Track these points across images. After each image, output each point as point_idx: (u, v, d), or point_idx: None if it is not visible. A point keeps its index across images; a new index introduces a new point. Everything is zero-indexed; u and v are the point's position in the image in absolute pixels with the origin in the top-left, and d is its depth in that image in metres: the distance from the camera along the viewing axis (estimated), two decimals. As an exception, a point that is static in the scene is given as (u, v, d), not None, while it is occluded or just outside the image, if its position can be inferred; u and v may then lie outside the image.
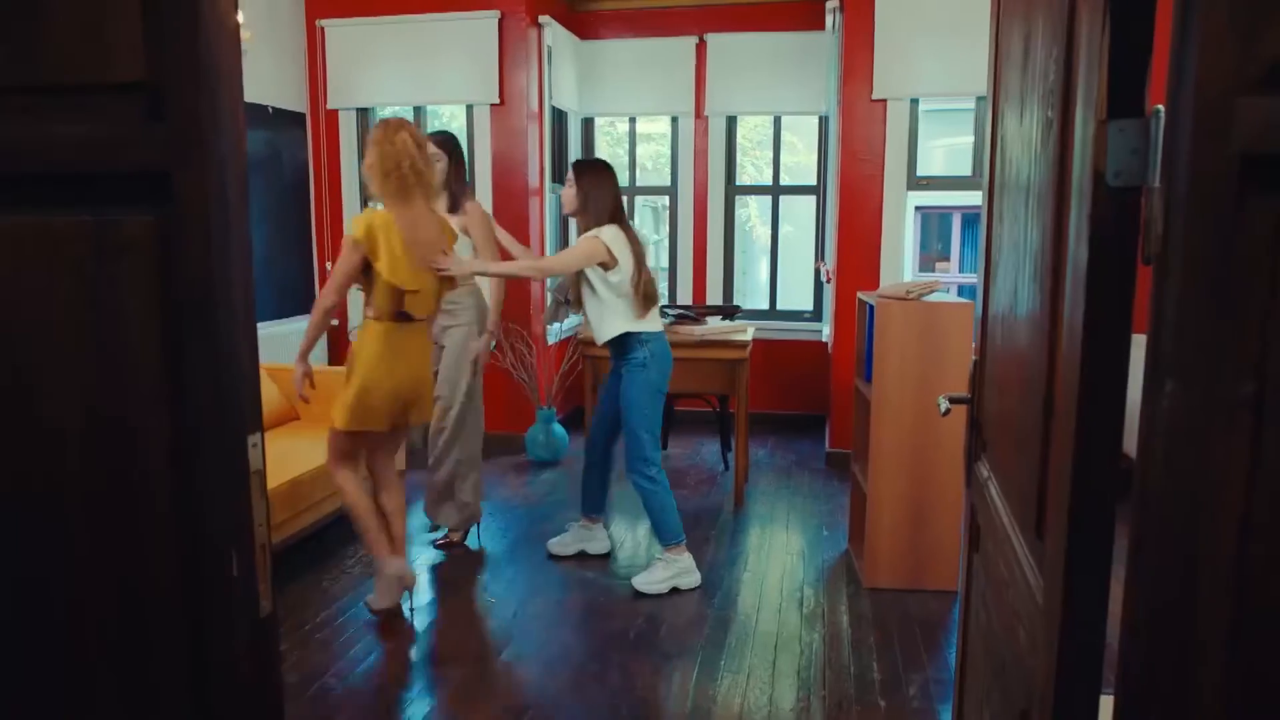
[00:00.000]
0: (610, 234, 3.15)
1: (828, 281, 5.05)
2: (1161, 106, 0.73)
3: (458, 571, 3.43)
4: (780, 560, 3.55)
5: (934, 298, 3.20)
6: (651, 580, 3.21)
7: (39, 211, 0.89)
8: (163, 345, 0.89)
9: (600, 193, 3.21)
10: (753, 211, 10.14)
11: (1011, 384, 1.19)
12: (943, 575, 3.22)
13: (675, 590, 3.20)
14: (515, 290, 5.01)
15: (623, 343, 3.22)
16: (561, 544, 3.55)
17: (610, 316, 3.20)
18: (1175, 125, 0.68)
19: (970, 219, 13.30)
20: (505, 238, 3.58)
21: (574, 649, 2.80)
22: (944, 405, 1.56)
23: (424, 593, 3.24)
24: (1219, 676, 0.68)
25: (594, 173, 3.25)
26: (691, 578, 3.24)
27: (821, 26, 5.28)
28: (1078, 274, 0.82)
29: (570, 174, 3.27)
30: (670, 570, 3.22)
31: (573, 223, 3.39)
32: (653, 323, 3.25)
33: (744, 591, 3.25)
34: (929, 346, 3.12)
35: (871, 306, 3.31)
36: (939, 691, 2.54)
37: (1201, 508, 0.68)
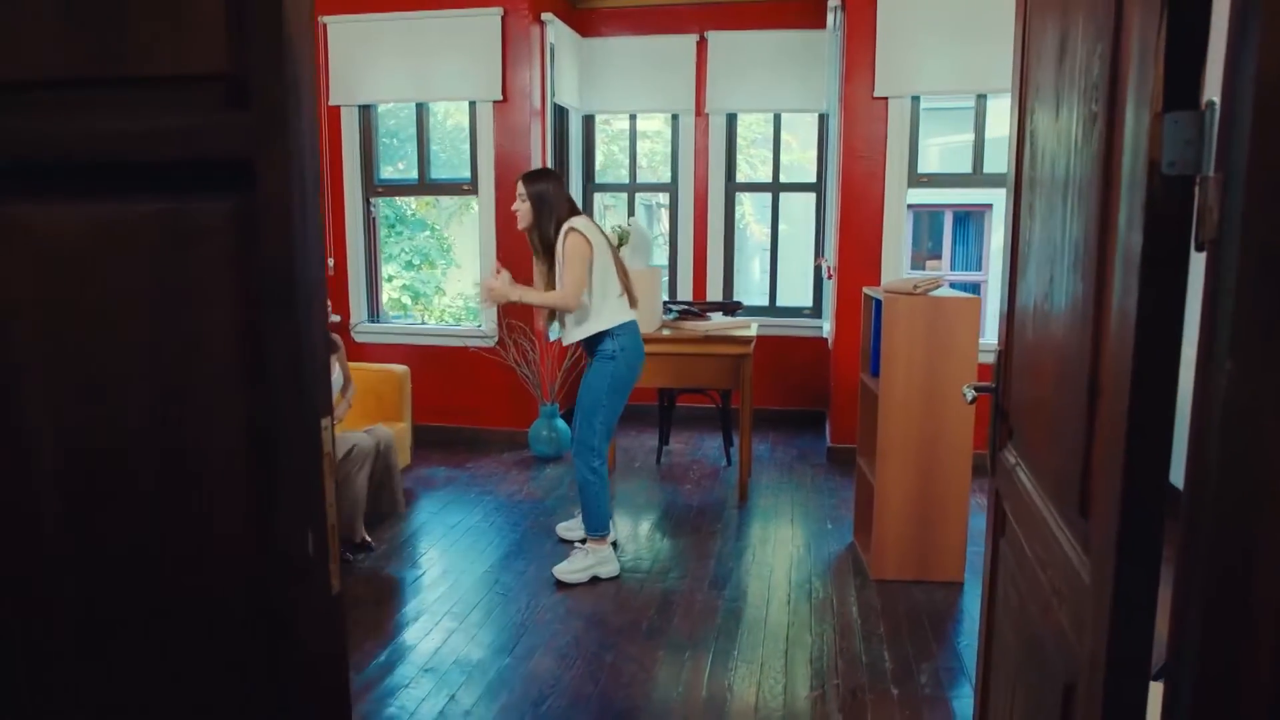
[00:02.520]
0: (581, 222, 3.21)
1: (829, 278, 5.09)
2: (1216, 99, 0.77)
3: (468, 563, 3.45)
4: (787, 553, 3.59)
5: (940, 293, 3.24)
6: (572, 569, 3.27)
7: (118, 199, 0.91)
8: (240, 329, 0.91)
9: (553, 194, 3.26)
10: (747, 209, 10.19)
11: (1046, 372, 1.23)
12: (949, 567, 3.26)
13: (595, 579, 3.26)
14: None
15: (592, 339, 3.28)
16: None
17: (584, 320, 3.25)
18: (1233, 115, 0.72)
19: (961, 217, 13.39)
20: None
21: (586, 641, 2.83)
22: (970, 395, 1.60)
23: (435, 586, 3.26)
24: (1273, 656, 0.71)
25: (542, 179, 3.30)
26: (611, 567, 3.31)
27: (821, 25, 5.32)
28: (1130, 260, 0.86)
29: (520, 188, 3.29)
30: (591, 559, 3.29)
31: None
32: (623, 313, 3.29)
33: (753, 584, 3.28)
34: (935, 341, 3.16)
35: (878, 302, 3.35)
36: (949, 679, 2.58)
37: (1258, 485, 0.71)
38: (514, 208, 3.32)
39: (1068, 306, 1.12)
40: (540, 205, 3.24)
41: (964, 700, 2.47)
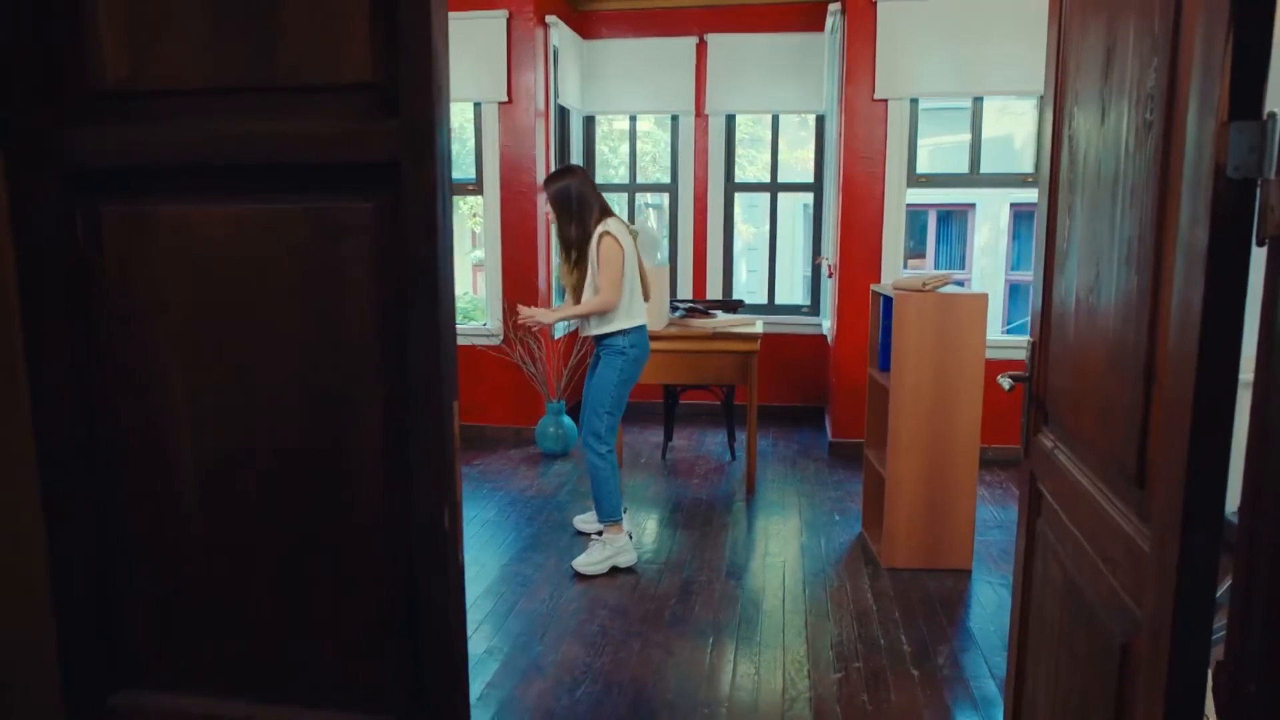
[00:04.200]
0: (615, 226, 3.28)
1: (830, 276, 5.20)
2: (1277, 110, 0.87)
3: (488, 557, 3.52)
4: (798, 543, 3.68)
5: (948, 290, 3.35)
6: (590, 561, 3.34)
7: (268, 198, 0.98)
8: (380, 320, 0.98)
9: (574, 190, 3.30)
10: (736, 210, 10.29)
11: (1093, 360, 1.33)
12: (957, 555, 3.38)
13: (614, 569, 3.33)
14: (522, 285, 5.09)
15: (605, 335, 3.37)
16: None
17: (611, 318, 3.32)
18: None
19: (944, 216, 13.61)
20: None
21: (613, 629, 2.91)
22: (1007, 384, 1.70)
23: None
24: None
25: (559, 178, 3.35)
26: (628, 556, 3.39)
27: (819, 28, 5.44)
28: (1193, 255, 0.95)
29: (546, 191, 3.36)
30: (608, 550, 3.37)
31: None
32: (638, 316, 3.38)
33: (769, 573, 3.38)
34: (944, 336, 3.27)
35: (887, 299, 3.45)
36: (966, 660, 2.69)
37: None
38: (548, 218, 3.39)
39: (1118, 299, 1.22)
40: (562, 202, 3.31)
41: (982, 679, 2.58)
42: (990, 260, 12.85)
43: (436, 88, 0.93)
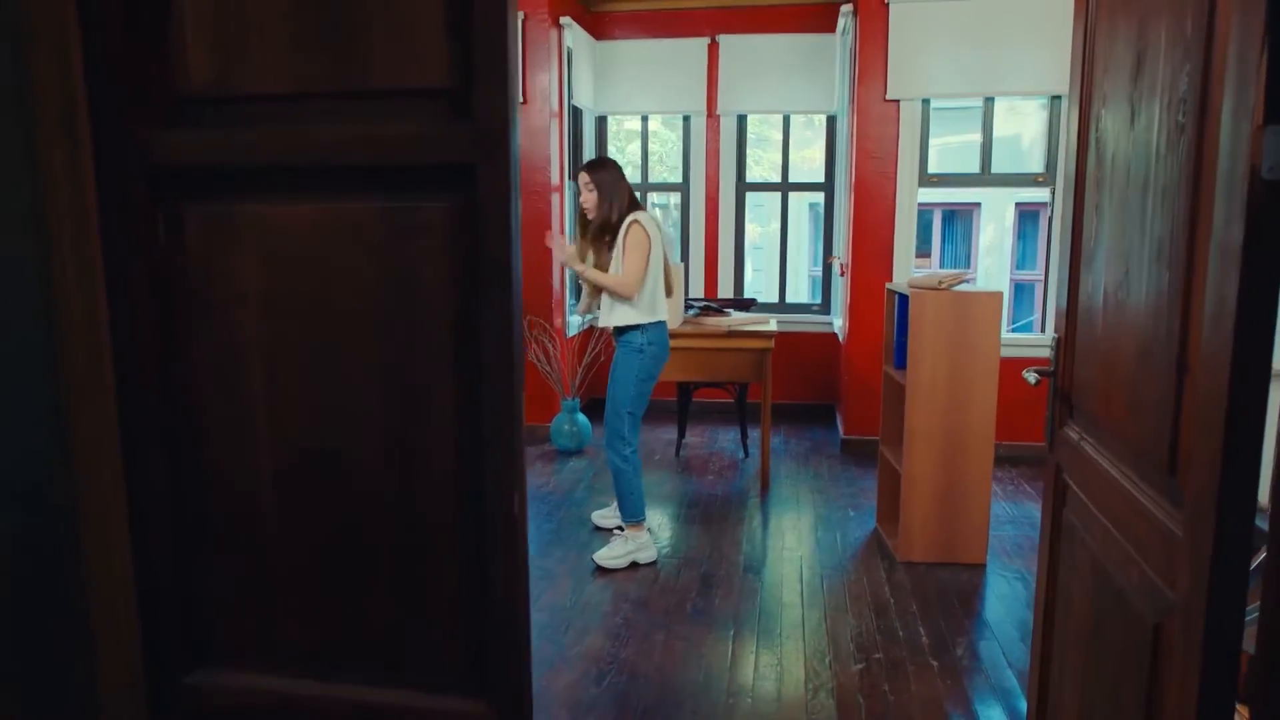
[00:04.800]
0: (645, 219, 3.33)
1: (842, 275, 5.25)
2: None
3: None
4: (814, 538, 3.73)
5: (963, 288, 3.40)
6: (612, 555, 3.40)
7: (345, 199, 1.04)
8: (454, 313, 1.03)
9: (617, 185, 3.39)
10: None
11: (1123, 353, 1.37)
12: (972, 549, 3.43)
13: (635, 564, 3.39)
14: (537, 284, 5.14)
15: (624, 327, 3.41)
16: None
17: (627, 307, 3.37)
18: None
19: (949, 215, 13.64)
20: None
21: (636, 621, 2.96)
22: (1033, 378, 1.74)
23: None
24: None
25: (605, 169, 3.43)
26: (649, 552, 3.45)
27: (830, 29, 5.48)
28: (1228, 252, 1.00)
29: (585, 177, 3.42)
30: (630, 545, 3.42)
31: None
32: (660, 312, 3.42)
33: (786, 567, 3.43)
34: (960, 334, 3.32)
35: (903, 297, 3.50)
36: (984, 651, 2.74)
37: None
38: (581, 200, 3.44)
39: (1149, 294, 1.26)
40: (605, 192, 3.37)
41: (1001, 670, 2.63)
42: (995, 259, 12.89)
43: (509, 93, 0.98)
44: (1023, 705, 2.42)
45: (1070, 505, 1.66)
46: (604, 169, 3.42)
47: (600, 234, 3.41)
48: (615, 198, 3.37)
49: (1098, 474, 1.47)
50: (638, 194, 6.23)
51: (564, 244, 3.54)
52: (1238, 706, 1.12)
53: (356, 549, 1.10)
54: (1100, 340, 1.50)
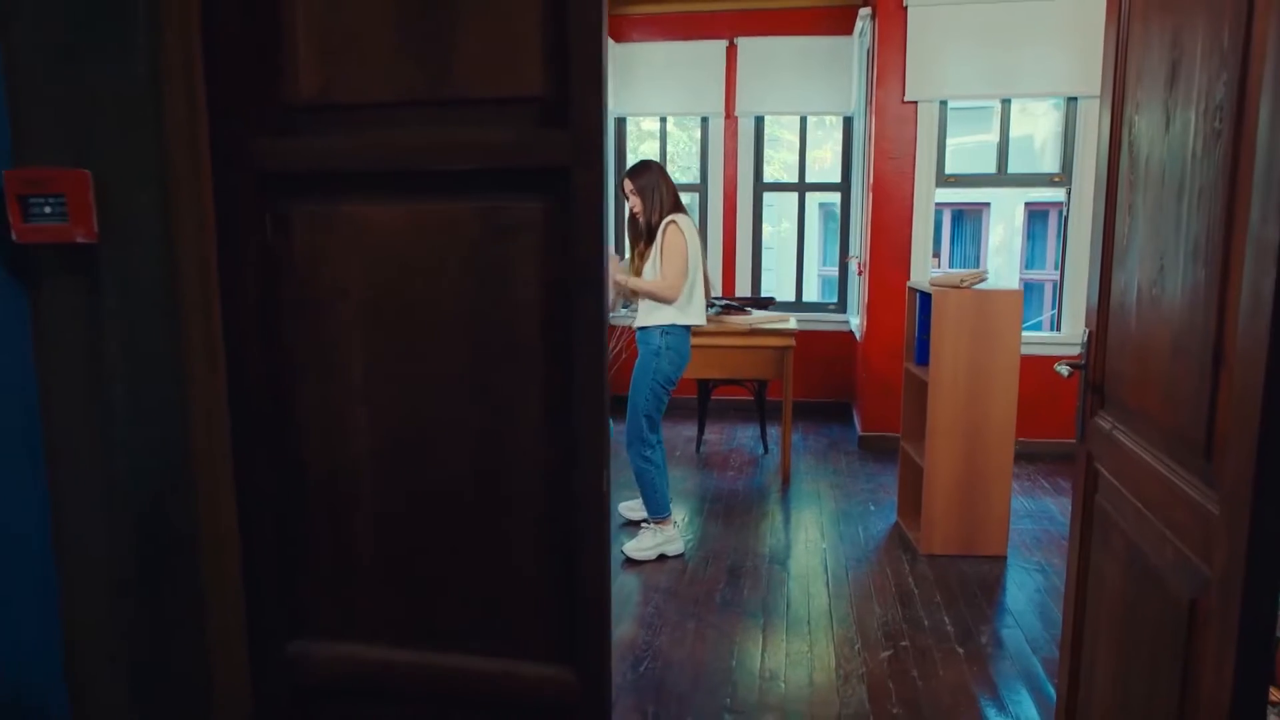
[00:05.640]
0: (684, 221, 3.41)
1: (860, 274, 5.32)
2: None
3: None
4: (836, 531, 3.81)
5: (983, 286, 3.48)
6: (641, 547, 3.48)
7: (443, 199, 1.12)
8: (543, 308, 1.11)
9: (658, 188, 3.46)
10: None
11: (1157, 345, 1.45)
12: (993, 542, 3.50)
13: (663, 556, 3.48)
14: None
15: (646, 326, 3.48)
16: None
17: (659, 306, 3.44)
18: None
19: (958, 215, 13.69)
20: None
21: (667, 611, 3.04)
22: (1065, 370, 1.82)
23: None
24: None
25: (647, 173, 3.50)
26: (676, 545, 3.53)
27: (847, 31, 5.56)
28: (1264, 249, 1.08)
29: (628, 184, 3.50)
30: (658, 538, 3.51)
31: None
32: (693, 316, 3.49)
33: (811, 559, 3.51)
34: (981, 331, 3.39)
35: (924, 295, 3.58)
36: (1008, 638, 2.82)
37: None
38: (630, 205, 3.51)
39: (1184, 290, 1.34)
40: (648, 196, 3.44)
41: (1025, 656, 2.70)
42: (1004, 259, 12.95)
43: (604, 99, 1.06)
44: (1048, 688, 2.50)
45: (1102, 490, 1.73)
46: (643, 173, 3.49)
47: (648, 242, 3.48)
48: (657, 200, 3.45)
49: (1131, 460, 1.55)
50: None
51: (619, 263, 3.57)
52: (1270, 689, 1.20)
53: (448, 528, 1.18)
54: (1133, 334, 1.57)
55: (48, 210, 1.05)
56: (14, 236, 1.07)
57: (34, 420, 1.14)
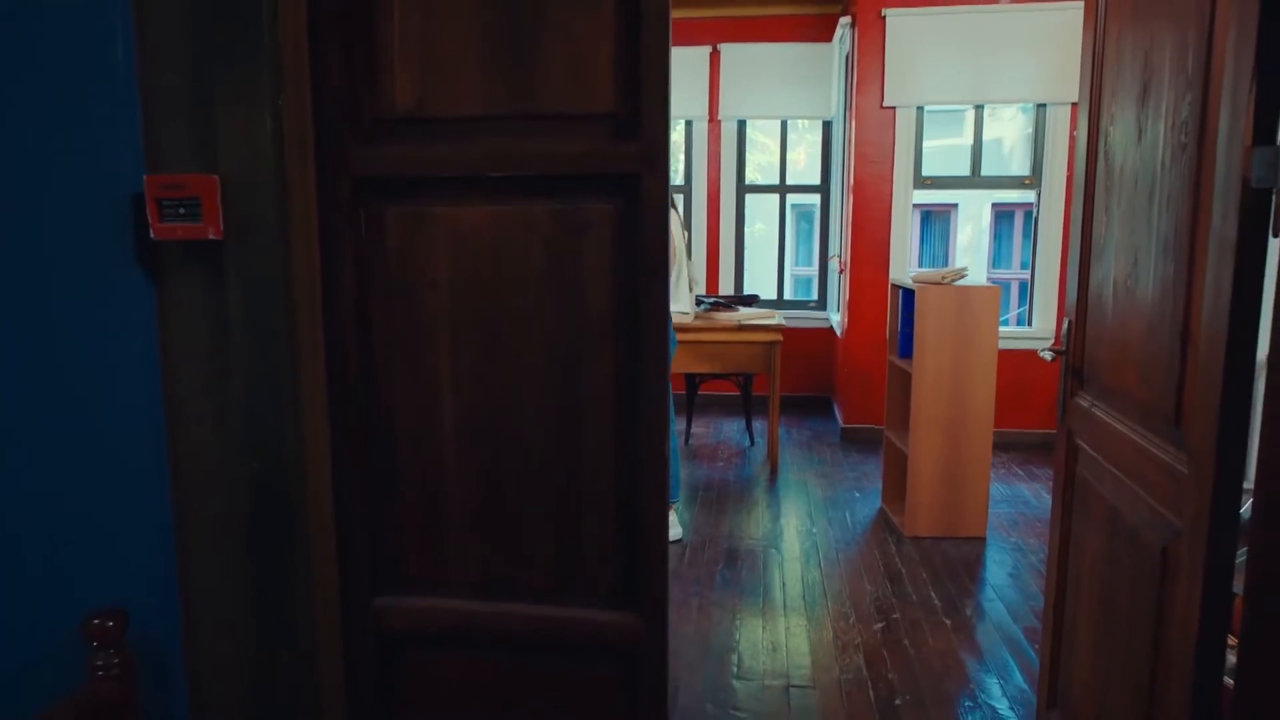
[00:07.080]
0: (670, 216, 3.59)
1: (841, 272, 5.54)
2: (1289, 139, 1.19)
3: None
4: (825, 517, 4.01)
5: (963, 282, 3.70)
6: None
7: (523, 201, 1.28)
8: (614, 297, 1.28)
9: None
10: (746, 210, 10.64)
11: (1132, 331, 1.65)
12: (973, 524, 3.72)
13: None
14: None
15: None
16: None
17: None
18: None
19: (926, 215, 14.04)
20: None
21: (671, 590, 3.18)
22: (1048, 355, 2.02)
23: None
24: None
25: None
26: (675, 530, 3.69)
27: (827, 39, 5.77)
28: (1224, 246, 1.28)
29: None
30: None
31: None
32: (674, 303, 3.67)
33: (803, 542, 3.70)
34: (961, 325, 3.61)
35: (907, 291, 3.79)
36: (990, 609, 3.03)
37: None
38: None
39: (1156, 281, 1.54)
40: None
41: (1006, 624, 2.91)
42: (972, 258, 13.31)
43: (669, 114, 1.23)
44: (1030, 652, 2.71)
45: (1082, 462, 1.94)
46: None
47: None
48: None
49: (1108, 433, 1.75)
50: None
51: None
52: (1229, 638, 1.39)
53: (524, 492, 1.34)
54: (1110, 322, 1.78)
55: (181, 211, 1.19)
56: (151, 234, 1.21)
57: (156, 399, 1.27)
